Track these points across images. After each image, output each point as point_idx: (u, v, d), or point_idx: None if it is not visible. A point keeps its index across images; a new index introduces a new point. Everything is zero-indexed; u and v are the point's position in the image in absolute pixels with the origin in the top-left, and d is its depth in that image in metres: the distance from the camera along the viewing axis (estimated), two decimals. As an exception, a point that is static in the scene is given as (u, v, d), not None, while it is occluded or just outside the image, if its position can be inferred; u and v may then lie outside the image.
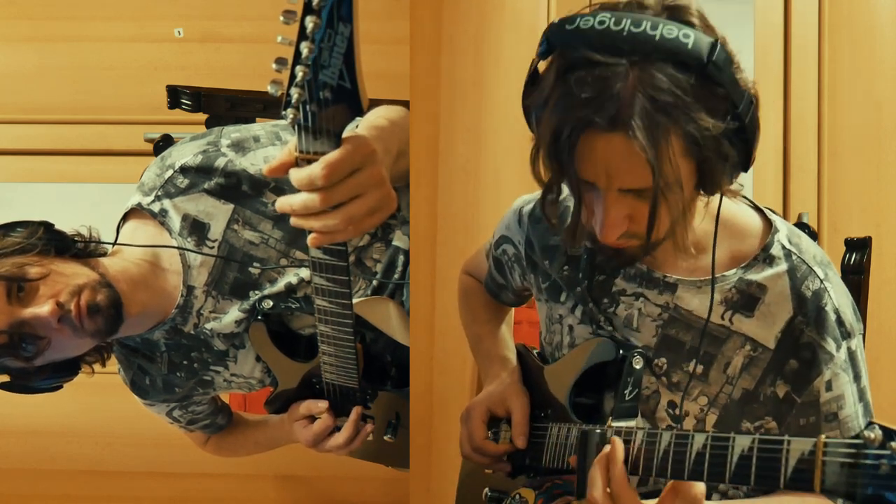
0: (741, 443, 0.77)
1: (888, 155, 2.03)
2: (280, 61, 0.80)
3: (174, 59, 2.08)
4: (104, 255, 1.20)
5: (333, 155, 0.83)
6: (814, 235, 1.16)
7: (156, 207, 1.19)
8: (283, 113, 0.83)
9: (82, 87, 2.08)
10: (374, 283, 1.24)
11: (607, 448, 0.88)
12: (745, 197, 1.05)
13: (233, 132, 1.21)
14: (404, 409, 1.31)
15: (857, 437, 0.65)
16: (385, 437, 1.32)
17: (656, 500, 0.88)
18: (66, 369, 1.20)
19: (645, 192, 0.87)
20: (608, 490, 0.87)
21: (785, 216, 1.04)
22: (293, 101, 0.81)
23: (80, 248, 1.18)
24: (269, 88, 0.81)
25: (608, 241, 0.92)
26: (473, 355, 1.35)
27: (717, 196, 0.96)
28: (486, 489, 1.21)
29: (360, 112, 0.83)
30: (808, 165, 2.05)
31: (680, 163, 0.86)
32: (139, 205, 1.20)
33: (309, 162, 0.84)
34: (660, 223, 0.90)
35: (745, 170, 0.91)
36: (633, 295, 1.05)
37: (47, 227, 1.16)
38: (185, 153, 1.19)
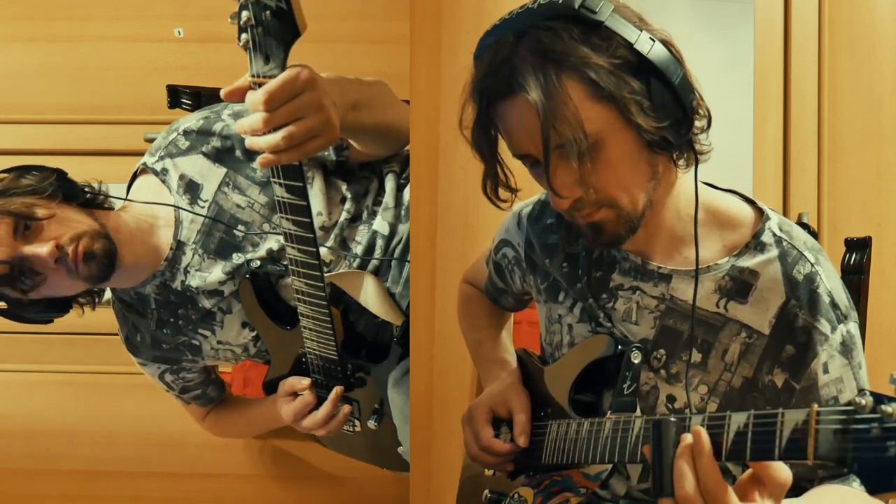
0: (737, 420, 0.76)
1: (888, 155, 2.03)
2: None
3: (174, 59, 2.08)
4: (111, 208, 1.30)
5: (273, 83, 0.94)
6: (814, 235, 1.16)
7: (158, 167, 1.30)
8: (238, 40, 0.94)
9: (82, 87, 2.08)
10: (356, 262, 1.29)
11: (688, 438, 0.79)
12: (735, 192, 1.06)
13: (236, 105, 1.30)
14: (387, 397, 1.33)
15: (848, 403, 0.66)
16: (369, 424, 1.34)
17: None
18: (58, 306, 1.29)
19: (570, 147, 0.88)
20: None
21: (785, 216, 1.05)
22: (242, 22, 0.93)
23: (89, 199, 1.28)
24: (229, 20, 0.94)
25: (561, 207, 0.94)
26: (473, 360, 1.36)
27: (693, 172, 0.97)
28: (486, 491, 1.20)
29: (297, 31, 0.93)
30: (808, 165, 2.05)
31: (588, 107, 0.88)
32: (145, 164, 1.31)
33: (260, 85, 0.95)
34: (610, 180, 0.91)
35: (689, 114, 0.91)
36: (630, 289, 1.06)
37: (60, 174, 1.26)
38: (189, 119, 1.31)
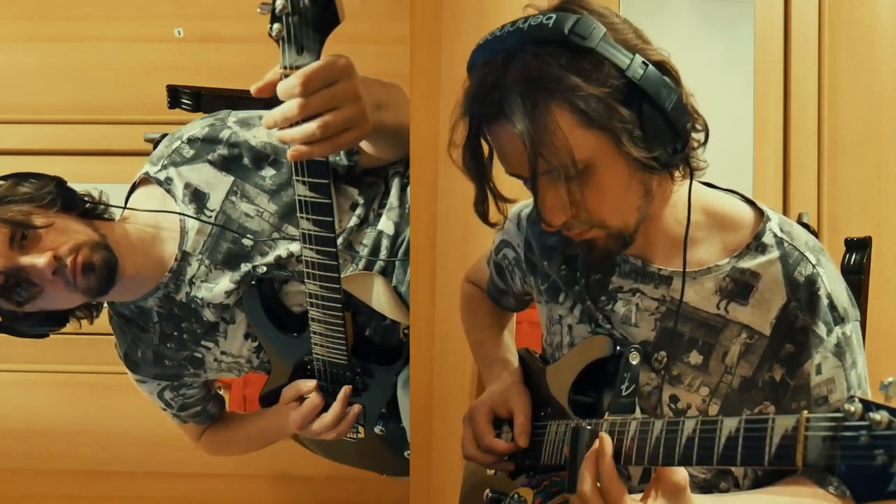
0: (728, 424, 0.77)
1: (888, 155, 2.03)
2: None
3: (174, 59, 2.08)
4: (111, 219, 1.25)
5: (310, 66, 0.90)
6: (815, 235, 1.16)
7: (162, 176, 1.24)
8: (270, 31, 0.90)
9: (82, 87, 2.08)
10: (361, 263, 1.27)
11: (596, 443, 0.89)
12: (736, 192, 1.05)
13: (240, 112, 1.27)
14: (396, 399, 1.32)
15: (837, 410, 0.66)
16: (376, 430, 1.32)
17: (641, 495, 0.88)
18: (55, 320, 1.24)
19: (557, 173, 0.88)
20: (598, 485, 0.88)
21: (785, 216, 1.05)
22: (277, 10, 0.89)
23: (88, 209, 1.23)
24: (259, 10, 0.90)
25: (550, 228, 0.94)
26: (475, 360, 1.35)
27: (690, 180, 0.96)
28: (487, 491, 1.21)
29: (336, 20, 0.90)
30: (808, 165, 2.06)
31: (577, 135, 0.86)
32: (147, 174, 1.26)
33: None
34: (600, 204, 0.91)
35: (682, 137, 0.90)
36: (629, 291, 1.05)
37: (59, 182, 1.21)
38: (193, 127, 1.26)
